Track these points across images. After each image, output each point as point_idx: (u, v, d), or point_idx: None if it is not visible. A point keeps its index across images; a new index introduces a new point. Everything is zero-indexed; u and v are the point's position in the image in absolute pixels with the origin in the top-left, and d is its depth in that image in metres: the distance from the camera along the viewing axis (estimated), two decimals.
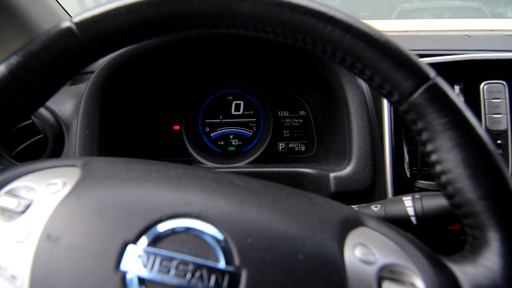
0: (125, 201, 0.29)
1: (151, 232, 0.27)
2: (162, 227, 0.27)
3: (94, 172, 0.33)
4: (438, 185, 0.32)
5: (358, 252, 0.29)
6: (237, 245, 0.26)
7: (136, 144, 0.84)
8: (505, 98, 0.58)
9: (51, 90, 0.37)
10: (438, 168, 0.31)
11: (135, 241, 0.26)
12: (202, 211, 0.28)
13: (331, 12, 0.32)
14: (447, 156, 0.30)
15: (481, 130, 0.30)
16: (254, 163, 0.81)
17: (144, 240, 0.26)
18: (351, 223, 0.31)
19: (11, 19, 0.68)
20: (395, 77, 0.31)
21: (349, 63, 0.33)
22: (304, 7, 0.32)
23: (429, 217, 0.46)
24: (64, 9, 0.83)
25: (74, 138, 0.67)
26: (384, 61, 0.31)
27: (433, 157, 0.31)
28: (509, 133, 0.58)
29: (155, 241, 0.26)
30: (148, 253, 0.26)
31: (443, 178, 0.31)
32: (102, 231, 0.27)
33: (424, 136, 0.32)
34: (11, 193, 0.31)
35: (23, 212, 0.30)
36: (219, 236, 0.27)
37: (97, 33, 0.34)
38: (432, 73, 0.31)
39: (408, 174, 0.61)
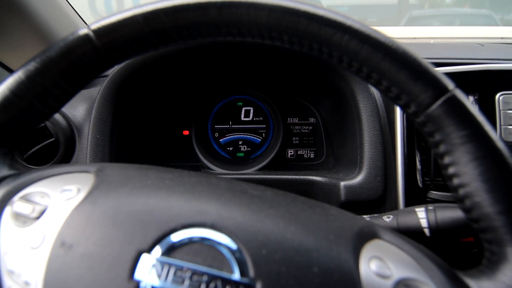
0: (139, 209, 0.28)
1: (166, 242, 0.27)
2: (176, 237, 0.27)
3: (108, 179, 0.33)
4: (455, 199, 0.32)
5: (374, 266, 0.28)
6: (252, 256, 0.26)
7: (146, 149, 0.84)
8: None
9: (67, 96, 0.37)
10: (455, 181, 0.31)
11: (149, 250, 0.26)
12: (217, 221, 0.27)
13: (348, 22, 0.32)
14: (465, 170, 0.30)
15: (500, 144, 0.30)
16: (263, 170, 0.81)
17: (158, 250, 0.26)
18: (366, 235, 0.31)
19: (28, 26, 0.69)
20: (412, 88, 0.31)
21: (365, 74, 0.33)
22: (321, 17, 0.32)
23: (442, 229, 0.45)
24: (80, 17, 0.84)
25: (86, 142, 0.67)
26: (402, 72, 0.31)
27: (451, 170, 0.31)
28: None
29: (169, 251, 0.26)
30: (162, 263, 0.26)
31: (461, 192, 0.31)
32: (117, 240, 0.27)
33: (442, 148, 0.31)
34: (25, 199, 0.32)
35: (38, 218, 0.30)
36: (234, 246, 0.26)
37: (114, 40, 0.34)
38: (450, 84, 0.31)
39: (420, 184, 0.61)
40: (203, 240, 0.27)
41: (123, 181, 0.32)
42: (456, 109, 0.30)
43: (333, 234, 0.29)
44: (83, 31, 0.34)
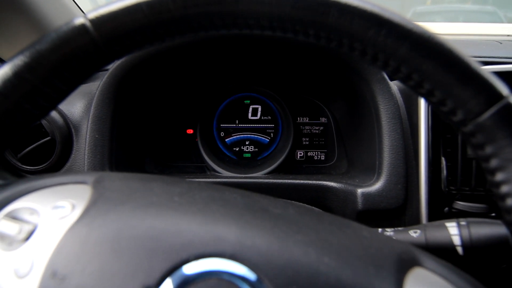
0: (145, 234, 0.24)
1: (177, 276, 0.22)
2: (189, 269, 0.22)
3: (108, 193, 0.28)
4: (506, 223, 0.27)
5: None
6: None
7: (148, 149, 0.80)
8: None
9: (60, 95, 0.32)
10: (509, 201, 0.27)
11: (157, 286, 0.22)
12: (237, 251, 0.23)
13: (386, 14, 0.28)
14: None
15: None
16: (272, 173, 0.76)
17: (168, 285, 0.22)
18: (407, 263, 0.27)
19: (22, 15, 0.64)
20: (460, 93, 0.27)
21: (404, 74, 0.29)
22: (354, 8, 0.27)
23: (477, 247, 0.41)
24: (78, 6, 0.79)
25: (84, 142, 0.63)
26: (448, 73, 0.27)
27: (504, 189, 0.27)
28: None
29: (181, 287, 0.22)
30: None
31: None
32: (117, 272, 0.22)
33: (493, 163, 0.27)
34: (12, 216, 0.27)
35: (26, 239, 0.26)
36: (258, 283, 0.22)
37: (114, 31, 0.30)
38: (505, 90, 0.27)
39: (445, 193, 0.56)
40: (221, 274, 0.22)
41: (124, 197, 0.28)
42: None
43: (372, 265, 0.25)
44: (79, 20, 0.29)
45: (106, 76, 0.62)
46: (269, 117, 0.85)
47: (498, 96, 0.26)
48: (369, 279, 0.24)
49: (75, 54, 0.30)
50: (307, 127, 0.85)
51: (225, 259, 0.23)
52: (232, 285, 0.22)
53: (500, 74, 0.56)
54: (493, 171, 0.27)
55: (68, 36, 0.29)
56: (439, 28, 1.34)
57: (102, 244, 0.24)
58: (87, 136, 0.61)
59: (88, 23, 0.29)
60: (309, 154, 0.85)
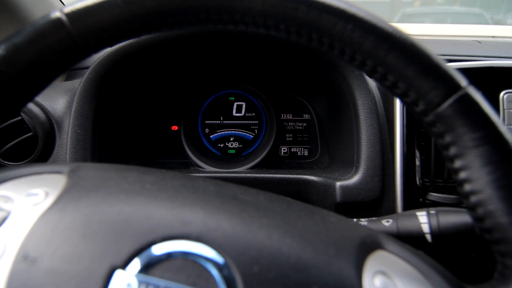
0: (114, 218, 0.25)
1: (144, 256, 0.23)
2: (156, 251, 0.23)
3: (81, 182, 0.29)
4: (467, 206, 0.29)
5: (378, 282, 0.25)
6: (242, 274, 0.23)
7: (132, 145, 0.80)
8: None
9: (37, 88, 0.33)
10: (467, 187, 0.28)
11: (124, 266, 0.23)
12: (202, 233, 0.24)
13: (352, 10, 0.29)
14: (478, 175, 0.27)
15: None
16: (255, 168, 0.77)
17: (135, 265, 0.23)
18: (369, 246, 0.28)
19: (2, 8, 0.64)
20: (421, 84, 0.28)
21: (370, 67, 0.30)
22: (322, 4, 0.29)
23: (445, 235, 0.43)
24: None
25: (66, 138, 0.63)
26: (410, 66, 0.28)
27: (462, 175, 0.28)
28: None
29: (147, 267, 0.23)
30: (139, 282, 0.22)
31: (473, 199, 0.28)
32: (87, 254, 0.23)
33: (452, 151, 0.29)
34: None
35: None
36: (222, 262, 0.23)
37: (90, 25, 0.30)
38: (463, 81, 0.28)
39: (419, 185, 0.58)
40: (186, 254, 0.23)
41: (97, 184, 0.28)
42: (470, 108, 0.27)
43: (334, 246, 0.26)
44: (55, 14, 0.30)
45: (88, 72, 0.62)
46: (254, 114, 0.86)
47: (457, 87, 0.27)
48: (329, 259, 0.25)
49: (51, 48, 0.30)
50: (290, 124, 0.86)
51: (191, 241, 0.24)
52: (197, 265, 0.23)
53: (471, 70, 0.59)
54: (452, 159, 0.29)
55: (44, 30, 0.30)
56: (428, 30, 1.37)
57: (73, 229, 0.25)
58: (69, 132, 0.61)
59: (64, 17, 0.30)
60: (292, 150, 0.86)
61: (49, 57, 0.31)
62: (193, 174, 0.71)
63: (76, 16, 0.30)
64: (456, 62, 0.62)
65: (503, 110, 0.55)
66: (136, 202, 0.26)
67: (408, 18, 6.48)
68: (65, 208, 0.26)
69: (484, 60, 0.62)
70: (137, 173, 0.31)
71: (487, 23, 6.13)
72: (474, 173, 0.27)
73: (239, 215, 0.26)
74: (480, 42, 0.96)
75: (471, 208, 0.28)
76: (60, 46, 0.30)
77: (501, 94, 0.55)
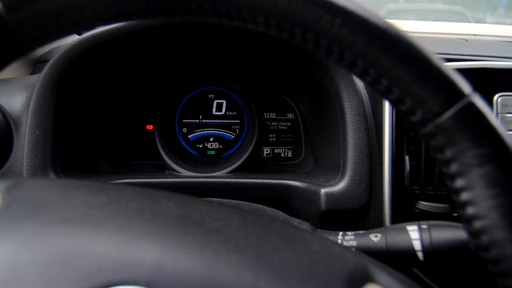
0: (45, 258, 0.20)
1: None
2: None
3: (14, 206, 0.24)
4: (469, 232, 0.25)
5: None
6: None
7: (102, 146, 0.74)
8: None
9: None
10: (469, 210, 0.25)
11: None
12: (154, 278, 0.19)
13: (341, 2, 0.25)
14: (482, 197, 0.24)
15: None
16: (236, 171, 0.72)
17: None
18: (359, 281, 0.24)
19: None
20: (419, 90, 0.25)
21: (360, 69, 0.26)
22: None
23: (438, 252, 0.39)
24: None
25: (24, 139, 0.56)
26: (407, 69, 0.25)
27: (464, 196, 0.25)
28: None
29: None
30: None
31: (476, 225, 0.25)
32: None
33: (454, 168, 0.25)
34: None
35: None
36: None
37: (32, 15, 0.26)
38: (467, 88, 0.24)
39: (408, 193, 0.55)
40: None
41: (32, 210, 0.23)
42: (474, 120, 0.24)
43: (318, 286, 0.22)
44: None
45: (47, 67, 0.55)
46: (235, 113, 0.81)
47: (460, 94, 0.24)
48: None
49: None
50: (274, 123, 0.81)
51: (140, 287, 0.19)
52: None
53: (463, 71, 0.55)
54: (453, 177, 0.25)
55: None
56: (411, 26, 1.36)
57: None
58: (27, 133, 0.55)
59: None
60: (276, 151, 0.82)
61: None
62: (171, 180, 0.65)
63: (14, 4, 0.25)
64: (449, 62, 0.59)
65: (497, 114, 0.52)
66: (75, 235, 0.21)
67: (392, 14, 6.55)
68: None
69: (476, 61, 0.59)
70: (87, 193, 0.26)
71: (469, 21, 6.24)
72: (478, 195, 0.24)
73: (202, 251, 0.21)
74: (467, 41, 0.94)
75: (475, 235, 0.25)
76: None
77: (495, 97, 0.52)
